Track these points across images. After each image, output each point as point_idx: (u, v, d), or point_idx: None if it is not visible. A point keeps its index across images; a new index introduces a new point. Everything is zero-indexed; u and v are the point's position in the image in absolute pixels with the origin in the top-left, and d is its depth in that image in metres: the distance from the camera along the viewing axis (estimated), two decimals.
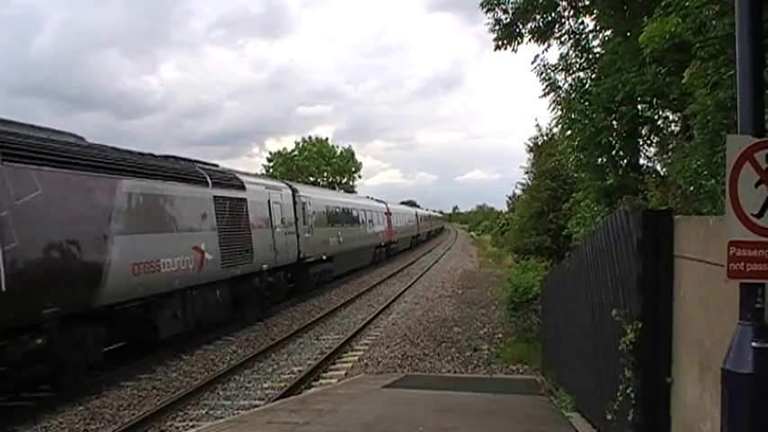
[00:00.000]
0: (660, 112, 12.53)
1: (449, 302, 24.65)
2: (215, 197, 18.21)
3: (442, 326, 19.23)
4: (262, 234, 21.51)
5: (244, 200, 20.31)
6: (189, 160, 18.78)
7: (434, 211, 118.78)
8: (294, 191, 26.77)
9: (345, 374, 14.22)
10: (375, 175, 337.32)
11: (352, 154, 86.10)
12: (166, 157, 17.64)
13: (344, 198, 41.96)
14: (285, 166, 75.63)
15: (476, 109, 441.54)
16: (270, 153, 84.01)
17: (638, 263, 5.40)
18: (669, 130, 12.44)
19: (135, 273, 13.82)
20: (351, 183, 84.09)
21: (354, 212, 38.92)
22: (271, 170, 76.75)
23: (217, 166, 20.78)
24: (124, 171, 14.10)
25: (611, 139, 12.35)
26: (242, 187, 20.53)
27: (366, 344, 17.44)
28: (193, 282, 16.52)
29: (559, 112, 13.90)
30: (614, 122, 12.20)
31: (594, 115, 12.31)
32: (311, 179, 76.58)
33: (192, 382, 13.79)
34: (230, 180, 20.09)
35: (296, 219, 25.77)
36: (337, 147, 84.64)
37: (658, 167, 12.34)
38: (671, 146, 10.30)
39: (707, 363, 4.35)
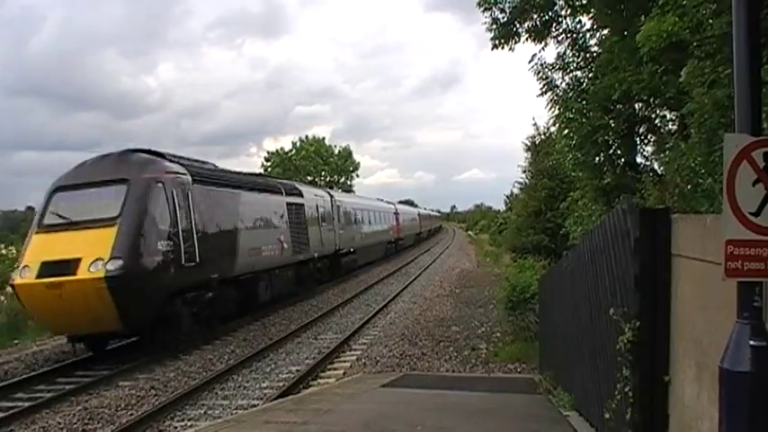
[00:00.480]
0: (657, 111, 12.56)
1: (447, 302, 24.66)
2: (287, 203, 25.09)
3: (441, 325, 19.24)
4: (313, 230, 28.47)
5: (302, 204, 27.26)
6: (267, 176, 26.42)
7: (432, 211, 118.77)
8: (331, 196, 33.98)
9: (344, 374, 14.21)
10: (373, 174, 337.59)
11: (350, 153, 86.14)
12: (259, 175, 25.82)
13: (364, 201, 47.43)
14: (282, 166, 75.53)
15: (474, 108, 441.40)
16: (267, 153, 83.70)
17: (636, 262, 5.40)
18: (666, 128, 12.45)
19: (249, 255, 20.25)
20: (349, 182, 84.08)
21: (371, 213, 45.00)
22: (269, 170, 76.66)
23: (286, 181, 29.51)
24: (242, 187, 20.84)
25: (608, 137, 12.38)
26: (300, 195, 27.68)
27: (364, 343, 17.44)
28: (277, 264, 23.22)
29: (557, 111, 13.93)
30: (611, 121, 12.22)
31: (591, 114, 12.34)
32: (309, 178, 76.59)
33: (190, 381, 13.78)
34: (294, 189, 27.32)
35: (333, 218, 32.49)
36: (335, 146, 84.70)
37: (656, 166, 12.36)
38: (668, 145, 10.30)
39: (704, 361, 4.35)
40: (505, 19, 14.57)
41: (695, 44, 6.74)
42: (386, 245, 49.16)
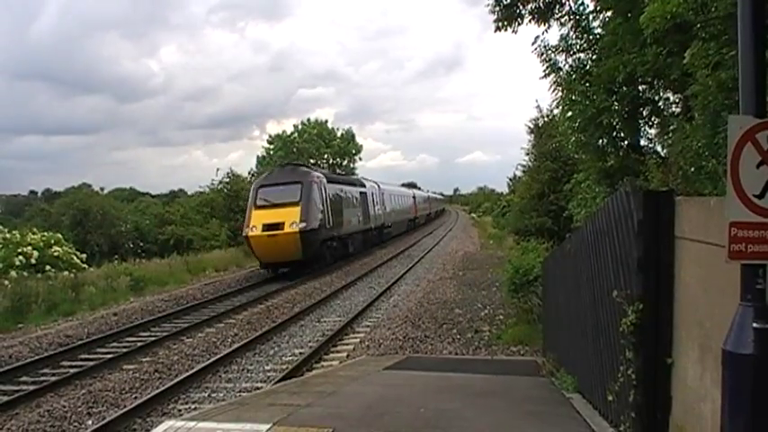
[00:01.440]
0: (661, 93, 12.48)
1: (450, 284, 24.67)
2: (359, 192, 39.46)
3: (443, 308, 19.26)
4: (372, 209, 41.89)
5: (365, 193, 41.34)
6: (350, 175, 47.97)
7: (435, 193, 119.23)
8: (378, 186, 47.41)
9: (347, 356, 14.26)
10: (376, 157, 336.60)
11: (353, 136, 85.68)
12: (346, 174, 47.63)
13: (395, 188, 60.74)
14: (285, 149, 75.24)
15: (476, 91, 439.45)
16: (270, 136, 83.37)
17: (639, 244, 5.40)
18: (670, 110, 12.39)
19: (347, 224, 33.58)
20: (351, 165, 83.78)
21: (401, 198, 59.65)
22: (271, 152, 76.45)
23: (357, 177, 47.06)
24: (342, 183, 34.20)
25: (611, 120, 12.30)
26: (363, 185, 42.11)
27: (367, 326, 17.49)
28: (356, 230, 36.57)
29: (560, 94, 13.83)
30: (615, 103, 12.14)
31: (595, 96, 12.25)
32: (311, 161, 76.46)
33: (193, 364, 13.85)
34: (361, 181, 42.67)
35: (380, 202, 45.88)
36: (338, 129, 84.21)
37: (659, 149, 12.31)
38: (672, 127, 10.26)
39: (708, 344, 4.37)
40: (508, 1, 14.47)
41: (699, 25, 6.70)
42: (407, 222, 62.61)
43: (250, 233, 28.02)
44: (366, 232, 40.33)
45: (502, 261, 26.49)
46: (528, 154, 34.01)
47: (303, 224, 27.57)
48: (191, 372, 12.90)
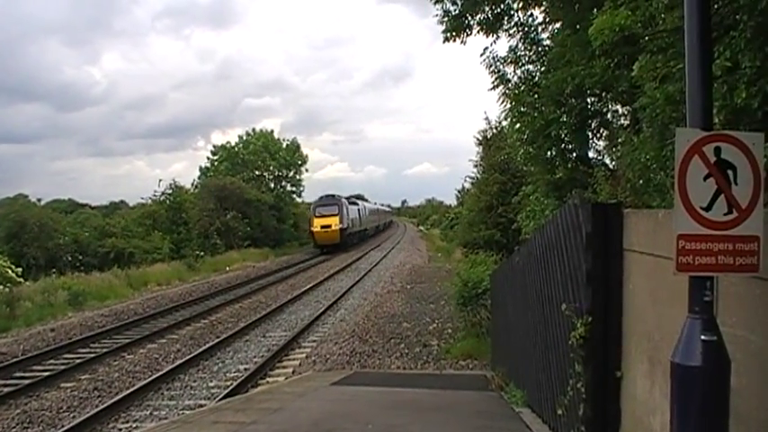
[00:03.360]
0: (609, 106, 12.66)
1: (398, 298, 24.73)
2: (363, 206, 71.75)
3: (391, 322, 19.28)
4: (367, 218, 71.10)
5: (365, 207, 73.29)
6: (359, 196, 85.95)
7: (383, 205, 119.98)
8: (366, 201, 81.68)
9: (293, 372, 14.17)
10: (323, 168, 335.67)
11: (298, 146, 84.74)
12: (357, 196, 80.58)
13: (370, 205, 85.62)
14: (230, 161, 74.36)
15: (426, 102, 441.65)
16: (214, 146, 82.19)
17: (588, 256, 5.46)
18: (618, 123, 12.57)
19: (360, 224, 65.59)
20: (297, 176, 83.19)
21: (373, 210, 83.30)
22: (216, 163, 75.58)
23: (359, 197, 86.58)
24: (354, 203, 64.99)
25: (560, 132, 12.44)
26: (357, 204, 66.98)
27: (314, 341, 17.41)
28: (360, 229, 65.32)
29: (508, 105, 13.94)
30: (564, 115, 12.28)
31: (544, 108, 12.40)
32: (256, 173, 75.94)
33: (134, 381, 13.61)
34: (361, 200, 78.36)
35: (365, 213, 70.33)
36: (283, 140, 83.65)
37: (608, 161, 12.48)
38: (620, 139, 10.40)
39: (656, 356, 4.42)
40: (457, 11, 14.54)
41: (647, 38, 6.80)
42: (375, 228, 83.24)
43: (314, 229, 54.73)
44: (362, 231, 67.64)
45: (450, 274, 26.61)
46: (477, 166, 34.33)
47: (341, 225, 54.02)
48: (132, 389, 12.66)
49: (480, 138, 33.18)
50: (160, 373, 13.97)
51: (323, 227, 53.55)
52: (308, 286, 29.22)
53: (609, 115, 12.88)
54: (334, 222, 53.71)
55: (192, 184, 66.04)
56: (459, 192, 57.50)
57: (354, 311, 21.89)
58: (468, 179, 37.58)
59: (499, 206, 27.73)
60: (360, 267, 39.03)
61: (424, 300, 23.76)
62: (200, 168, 78.43)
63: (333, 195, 59.08)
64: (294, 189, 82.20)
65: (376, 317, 20.29)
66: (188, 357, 15.37)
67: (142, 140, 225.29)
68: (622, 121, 12.45)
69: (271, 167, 79.13)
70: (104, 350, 16.73)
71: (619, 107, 12.44)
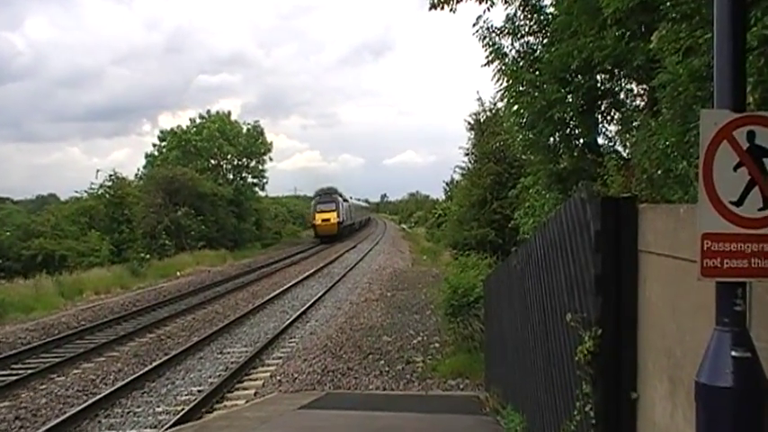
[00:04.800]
0: (623, 83, 12.65)
1: (376, 307, 24.72)
2: (350, 203, 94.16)
3: (369, 335, 19.26)
4: (355, 213, 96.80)
5: (352, 204, 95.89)
6: (336, 192, 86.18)
7: (359, 200, 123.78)
8: (349, 198, 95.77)
9: (255, 394, 14.11)
10: (291, 156, 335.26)
11: (261, 132, 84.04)
12: (334, 190, 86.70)
13: (357, 202, 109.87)
14: (181, 148, 73.56)
15: (409, 81, 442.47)
16: (161, 132, 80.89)
17: (597, 259, 5.42)
18: (633, 104, 12.57)
19: (351, 218, 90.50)
20: (260, 166, 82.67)
21: (357, 207, 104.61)
22: (164, 150, 74.97)
23: (347, 196, 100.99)
24: (347, 201, 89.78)
25: (564, 114, 12.43)
26: (347, 201, 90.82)
27: (279, 357, 17.36)
28: (350, 222, 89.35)
29: (505, 84, 13.92)
30: (569, 95, 12.27)
31: (546, 86, 12.37)
32: (212, 163, 75.60)
33: (65, 408, 13.48)
34: (348, 198, 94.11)
35: (356, 209, 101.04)
36: (243, 124, 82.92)
37: (620, 148, 12.50)
38: (635, 123, 10.41)
39: (678, 375, 4.39)
40: None
41: (669, 4, 6.76)
42: (359, 222, 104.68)
43: (315, 222, 76.34)
44: (354, 224, 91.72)
45: (437, 279, 26.68)
46: (468, 154, 34.30)
47: (338, 219, 74.72)
48: (62, 417, 12.53)
49: (472, 122, 33.19)
50: (97, 397, 13.84)
51: (323, 220, 75.92)
52: (272, 294, 29.18)
53: (622, 95, 12.86)
54: (332, 216, 75.82)
55: (137, 176, 65.74)
56: (447, 185, 57.71)
57: (327, 323, 21.87)
58: (457, 170, 37.59)
59: (494, 201, 27.79)
60: (333, 272, 39.06)
61: (408, 309, 23.77)
62: (146, 157, 78.00)
63: (330, 192, 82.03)
64: (256, 181, 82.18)
65: (352, 329, 20.26)
66: (131, 378, 15.25)
67: (76, 123, 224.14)
68: (637, 102, 12.45)
69: (229, 156, 78.69)
70: (29, 371, 16.54)
71: (633, 85, 12.44)
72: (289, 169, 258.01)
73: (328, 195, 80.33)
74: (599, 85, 12.64)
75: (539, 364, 7.58)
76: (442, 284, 19.28)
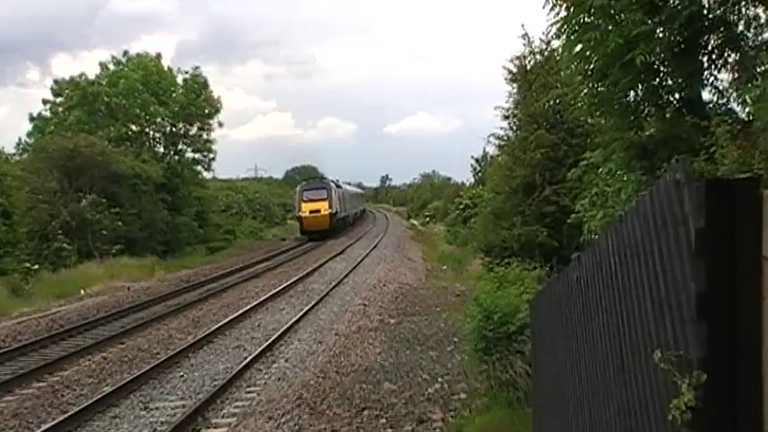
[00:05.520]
0: (741, 8, 12.60)
1: (374, 340, 24.74)
2: (343, 191, 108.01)
3: (364, 380, 19.28)
4: (348, 203, 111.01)
5: (347, 191, 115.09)
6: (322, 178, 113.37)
7: (350, 185, 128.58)
8: (341, 185, 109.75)
9: None
10: (250, 120, 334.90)
11: (205, 84, 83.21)
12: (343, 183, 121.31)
13: (349, 188, 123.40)
14: (87, 108, 72.52)
15: (422, 10, 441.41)
16: (55, 82, 78.96)
17: (700, 270, 5.40)
18: (758, 39, 12.53)
19: (346, 209, 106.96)
20: (205, 135, 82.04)
21: (351, 193, 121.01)
22: (61, 111, 74.42)
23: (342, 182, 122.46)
24: (341, 187, 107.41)
25: (651, 57, 12.42)
26: (341, 187, 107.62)
27: (233, 414, 17.41)
28: (346, 214, 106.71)
29: (564, 13, 13.93)
30: (658, 29, 12.26)
31: (624, 16, 12.36)
32: (133, 129, 75.11)
33: None
34: (340, 185, 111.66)
35: (351, 198, 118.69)
36: (179, 72, 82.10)
37: (735, 106, 12.46)
38: (760, 68, 10.38)
39: None
40: None
41: None
42: (354, 215, 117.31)
43: (301, 214, 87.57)
44: (348, 216, 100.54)
45: (463, 300, 26.69)
46: (508, 117, 34.30)
47: (330, 210, 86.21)
48: None
49: (514, 69, 33.17)
50: None
51: (312, 211, 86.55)
52: (223, 321, 29.15)
53: (740, 25, 12.82)
54: (323, 207, 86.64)
55: (19, 147, 65.40)
56: (477, 162, 58.00)
57: (302, 364, 21.91)
58: (492, 140, 37.55)
59: (545, 186, 27.84)
60: (311, 289, 39.08)
61: (420, 343, 23.79)
62: (33, 119, 77.21)
63: (320, 178, 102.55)
64: (199, 157, 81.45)
65: (339, 373, 20.28)
66: None
67: None
68: (766, 36, 12.39)
69: (158, 120, 77.72)
70: None
71: (760, 10, 12.39)
72: (247, 140, 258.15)
73: (319, 181, 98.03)
74: (706, 10, 12.59)
75: (611, 423, 7.57)
76: (469, 307, 19.28)
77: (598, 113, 15.12)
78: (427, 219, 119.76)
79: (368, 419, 16.22)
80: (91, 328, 29.78)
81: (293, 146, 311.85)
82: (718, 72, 13.21)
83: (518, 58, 32.68)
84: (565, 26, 13.94)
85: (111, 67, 77.82)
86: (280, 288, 38.70)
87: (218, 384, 19.52)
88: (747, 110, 11.19)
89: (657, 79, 12.94)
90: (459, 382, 18.47)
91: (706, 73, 13.16)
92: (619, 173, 14.84)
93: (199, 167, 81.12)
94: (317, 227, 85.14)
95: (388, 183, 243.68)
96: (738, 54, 12.67)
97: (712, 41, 12.85)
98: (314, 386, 18.90)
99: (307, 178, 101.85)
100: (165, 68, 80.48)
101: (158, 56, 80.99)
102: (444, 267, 50.20)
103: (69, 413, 17.55)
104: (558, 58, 21.71)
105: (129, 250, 55.89)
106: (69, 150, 56.41)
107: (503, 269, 21.65)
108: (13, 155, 56.62)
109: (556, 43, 17.98)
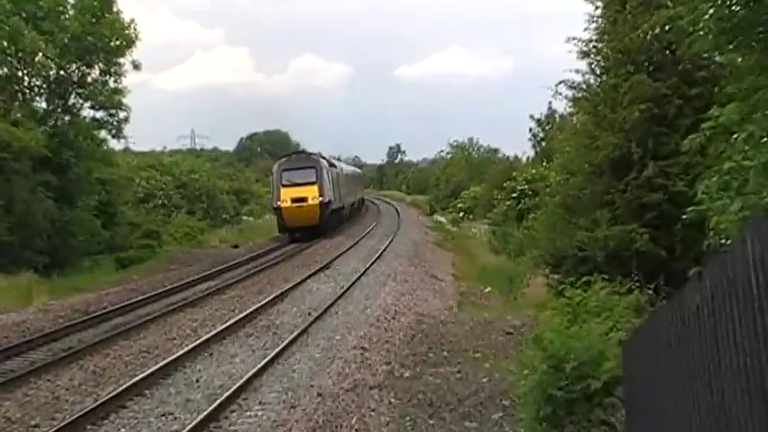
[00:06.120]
0: None
1: (378, 404, 24.69)
2: (339, 172, 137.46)
3: None
4: (346, 188, 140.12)
5: (343, 171, 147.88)
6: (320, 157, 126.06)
7: (341, 161, 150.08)
8: (335, 163, 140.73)
9: None
10: (188, 58, 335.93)
11: (110, 2, 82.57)
12: (338, 159, 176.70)
13: (352, 168, 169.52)
14: None
15: None
16: None
17: None
18: None
19: (343, 197, 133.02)
20: (113, 81, 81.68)
21: (350, 174, 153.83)
22: None
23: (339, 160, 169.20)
24: (336, 167, 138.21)
25: None
26: (335, 166, 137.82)
27: None
28: (341, 204, 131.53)
29: None
30: None
31: None
32: (4, 71, 74.96)
33: None
34: (334, 163, 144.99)
35: (349, 181, 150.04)
36: None
37: None
38: None
39: None
40: None
41: None
42: (352, 203, 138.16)
43: (282, 204, 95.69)
44: (345, 205, 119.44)
45: (517, 340, 26.68)
46: (588, 54, 34.23)
47: (320, 199, 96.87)
48: None
49: None
50: None
51: (295, 200, 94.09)
52: (140, 375, 28.98)
53: None
54: (311, 194, 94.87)
55: None
56: (538, 124, 57.95)
57: None
58: (563, 91, 37.35)
59: (647, 161, 27.75)
60: (281, 322, 39.04)
61: (450, 408, 23.75)
62: None
63: (306, 152, 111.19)
64: (105, 117, 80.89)
65: None
66: None
67: None
68: None
69: (37, 58, 77.43)
70: None
71: None
72: (179, 90, 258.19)
73: (305, 157, 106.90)
74: None
75: None
76: (527, 352, 19.25)
77: (732, 47, 15.10)
78: (461, 214, 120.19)
79: None
80: None
81: (251, 100, 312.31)
82: None
83: None
84: None
85: None
86: (230, 322, 38.49)
87: None
88: None
89: None
90: None
91: None
92: (765, 140, 14.83)
93: (103, 133, 79.64)
94: (302, 222, 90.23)
95: (399, 157, 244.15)
96: None
97: None
98: None
99: (288, 153, 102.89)
100: None
101: None
102: (488, 290, 50.30)
103: None
104: None
105: None
106: None
107: (579, 292, 21.62)
108: None
109: None
